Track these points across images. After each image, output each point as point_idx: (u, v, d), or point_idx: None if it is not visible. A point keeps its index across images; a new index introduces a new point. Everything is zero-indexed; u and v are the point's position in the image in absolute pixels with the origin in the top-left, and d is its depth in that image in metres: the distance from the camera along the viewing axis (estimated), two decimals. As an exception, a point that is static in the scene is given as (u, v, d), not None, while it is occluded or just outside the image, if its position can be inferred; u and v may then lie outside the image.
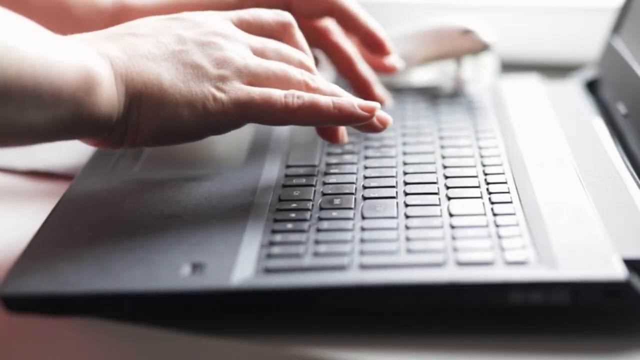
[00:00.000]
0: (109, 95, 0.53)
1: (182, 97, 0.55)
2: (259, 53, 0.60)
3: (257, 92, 0.57)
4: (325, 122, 0.59)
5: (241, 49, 0.59)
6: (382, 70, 0.73)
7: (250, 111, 0.56)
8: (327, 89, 0.60)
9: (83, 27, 0.68)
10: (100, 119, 0.54)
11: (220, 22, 0.60)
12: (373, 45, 0.72)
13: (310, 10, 0.70)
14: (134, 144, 0.56)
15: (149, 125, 0.55)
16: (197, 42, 0.57)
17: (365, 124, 0.60)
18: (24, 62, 0.49)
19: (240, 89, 0.56)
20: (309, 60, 0.62)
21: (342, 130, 0.64)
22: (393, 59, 0.74)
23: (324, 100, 0.58)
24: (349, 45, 0.72)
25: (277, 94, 0.57)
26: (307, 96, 0.57)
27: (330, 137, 0.64)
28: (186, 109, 0.55)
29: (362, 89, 0.72)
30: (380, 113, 0.60)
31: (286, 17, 0.63)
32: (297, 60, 0.61)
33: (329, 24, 0.71)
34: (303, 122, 0.59)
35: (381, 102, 0.71)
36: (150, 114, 0.55)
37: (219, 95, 0.56)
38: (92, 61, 0.53)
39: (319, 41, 0.71)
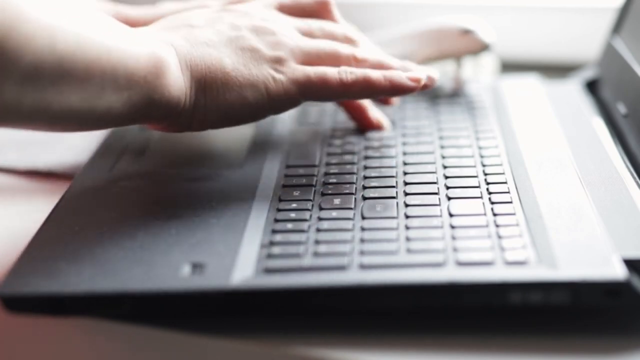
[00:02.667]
0: (176, 79, 0.57)
1: (244, 79, 0.58)
2: (306, 33, 0.63)
3: (312, 71, 0.60)
4: (378, 94, 0.62)
5: (290, 31, 0.62)
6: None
7: (309, 90, 0.60)
8: (373, 59, 0.63)
9: None
10: (170, 101, 0.57)
11: (264, 9, 0.64)
12: None
13: None
14: (202, 126, 0.59)
15: (216, 107, 0.58)
16: (250, 28, 0.61)
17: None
18: (102, 49, 0.53)
19: (296, 69, 0.60)
20: (352, 31, 0.65)
21: (379, 118, 0.69)
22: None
23: (375, 74, 0.61)
24: None
25: (331, 71, 0.60)
26: (359, 72, 0.60)
27: (370, 125, 0.69)
28: (249, 90, 0.58)
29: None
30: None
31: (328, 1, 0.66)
32: (342, 34, 0.64)
33: None
34: (358, 96, 0.62)
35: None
36: (217, 97, 0.58)
37: (278, 76, 0.59)
38: (159, 48, 0.56)
39: None
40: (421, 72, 0.63)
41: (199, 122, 0.59)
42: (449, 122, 0.72)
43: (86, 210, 0.59)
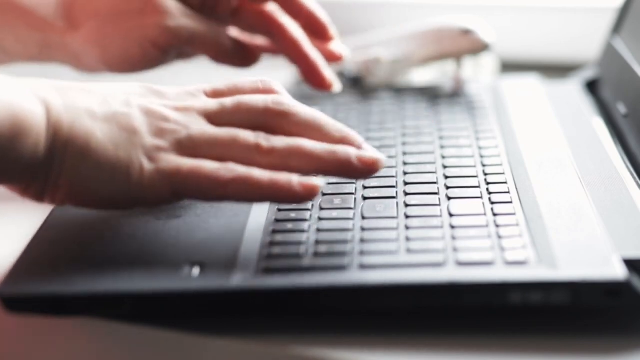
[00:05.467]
0: (35, 139, 0.51)
1: (106, 159, 0.52)
2: (216, 115, 0.55)
3: (186, 163, 0.53)
4: (259, 199, 0.53)
5: (190, 118, 0.54)
6: (328, 58, 0.72)
7: (177, 184, 0.52)
8: (285, 147, 0.53)
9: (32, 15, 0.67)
10: (22, 162, 0.51)
11: (186, 93, 0.57)
12: (316, 30, 0.71)
13: None
14: (54, 199, 0.53)
15: (69, 181, 0.52)
16: (144, 109, 0.54)
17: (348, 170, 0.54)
18: None
19: (170, 161, 0.53)
20: (279, 98, 0.56)
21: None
22: (338, 47, 0.73)
23: (259, 175, 0.52)
24: (295, 29, 0.70)
25: (209, 166, 0.52)
26: (241, 170, 0.52)
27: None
28: (108, 172, 0.52)
29: (310, 72, 0.70)
30: (365, 154, 0.54)
31: (270, 84, 0.58)
32: (262, 106, 0.55)
33: (275, 8, 0.70)
34: (236, 198, 0.53)
35: (329, 87, 0.70)
36: (71, 170, 0.52)
37: (147, 165, 0.52)
38: (26, 101, 0.51)
39: (265, 25, 0.70)
40: (316, 183, 0.53)
41: (51, 194, 0.53)
42: (449, 122, 0.72)
43: (86, 210, 0.59)
